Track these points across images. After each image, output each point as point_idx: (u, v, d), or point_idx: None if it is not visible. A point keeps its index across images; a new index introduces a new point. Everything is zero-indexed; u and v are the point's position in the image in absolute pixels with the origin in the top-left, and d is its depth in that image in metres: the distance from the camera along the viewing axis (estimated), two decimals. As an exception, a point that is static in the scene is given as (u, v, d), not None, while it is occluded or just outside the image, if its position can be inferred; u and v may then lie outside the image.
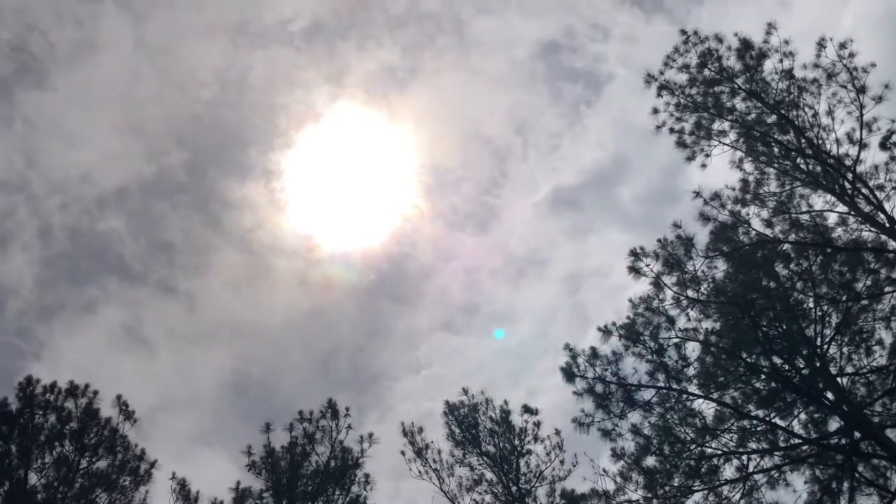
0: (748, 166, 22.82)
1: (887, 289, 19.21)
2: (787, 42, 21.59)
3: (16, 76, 57.66)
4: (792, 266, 19.65)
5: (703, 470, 18.37)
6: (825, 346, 18.87)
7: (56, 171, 57.90)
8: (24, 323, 51.68)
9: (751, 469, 18.39)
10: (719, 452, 18.49)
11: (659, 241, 19.85)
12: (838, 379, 18.73)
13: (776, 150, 22.29)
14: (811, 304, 19.21)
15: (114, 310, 54.58)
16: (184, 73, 63.35)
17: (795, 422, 19.46)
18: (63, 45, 59.04)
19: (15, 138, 55.90)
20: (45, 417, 20.97)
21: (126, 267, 57.73)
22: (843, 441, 18.22)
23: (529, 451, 23.15)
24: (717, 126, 22.75)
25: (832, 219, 21.36)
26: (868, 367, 19.30)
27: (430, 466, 23.37)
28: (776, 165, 22.46)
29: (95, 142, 60.63)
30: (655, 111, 22.94)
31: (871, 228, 20.06)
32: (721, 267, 20.08)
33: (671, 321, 19.41)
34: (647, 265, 19.74)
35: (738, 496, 18.34)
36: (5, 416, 20.69)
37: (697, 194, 20.33)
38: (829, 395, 18.51)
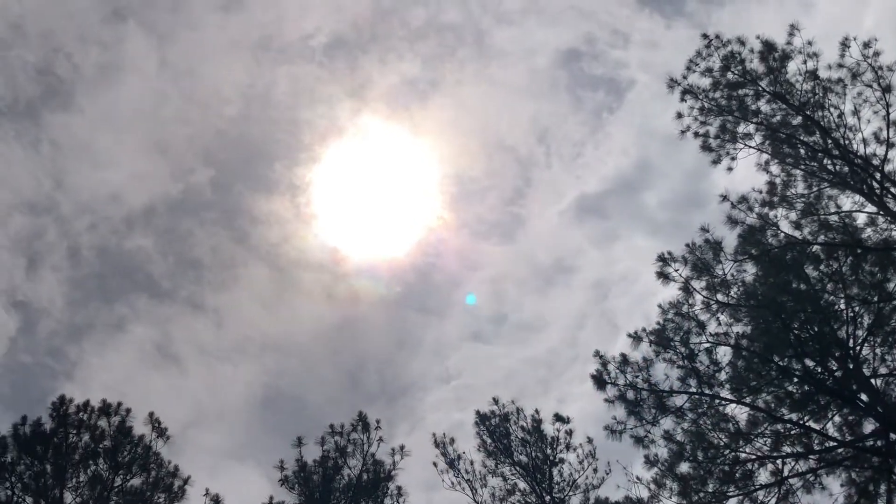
0: (775, 168, 22.81)
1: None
2: (810, 43, 21.52)
3: (42, 99, 58.44)
4: (822, 268, 19.47)
5: (737, 475, 18.26)
6: (858, 348, 18.69)
7: (84, 192, 58.59)
8: (56, 343, 52.46)
9: (786, 473, 18.22)
10: (753, 457, 18.36)
11: (687, 245, 19.78)
12: (872, 380, 18.54)
13: (802, 151, 22.20)
14: (842, 306, 19.02)
15: (143, 327, 55.13)
16: (207, 91, 63.90)
17: (830, 424, 19.26)
18: (88, 67, 59.65)
19: (43, 160, 56.63)
20: (79, 436, 21.22)
21: (155, 284, 58.38)
22: (879, 443, 18.04)
23: (562, 460, 23.12)
24: (742, 129, 22.69)
25: (861, 219, 21.30)
26: (902, 368, 19.11)
27: (463, 477, 23.39)
28: (803, 167, 22.37)
29: (122, 162, 61.32)
30: (679, 116, 22.92)
31: (901, 228, 19.92)
32: (750, 270, 19.92)
33: (701, 326, 19.31)
34: (676, 270, 19.68)
35: (773, 501, 18.19)
36: (40, 436, 20.94)
37: (724, 198, 20.16)
38: (864, 397, 18.33)
